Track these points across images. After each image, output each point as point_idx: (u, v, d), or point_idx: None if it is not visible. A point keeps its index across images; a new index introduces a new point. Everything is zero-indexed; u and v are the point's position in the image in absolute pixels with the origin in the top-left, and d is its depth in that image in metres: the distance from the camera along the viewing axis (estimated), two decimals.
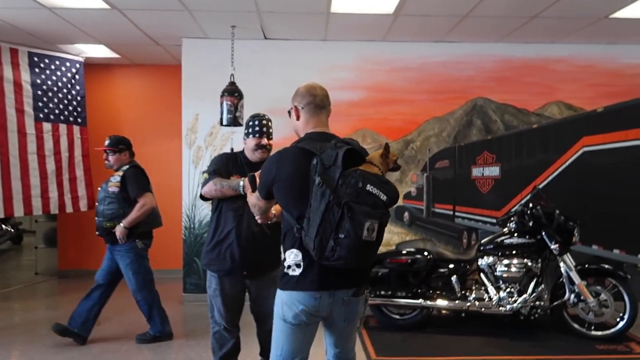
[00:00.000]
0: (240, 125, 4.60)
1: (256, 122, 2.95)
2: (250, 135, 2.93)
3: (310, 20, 4.61)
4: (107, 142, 4.05)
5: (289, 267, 2.06)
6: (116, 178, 3.90)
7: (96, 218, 4.00)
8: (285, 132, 5.26)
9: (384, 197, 1.93)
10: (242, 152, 3.05)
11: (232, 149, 4.71)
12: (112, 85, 6.36)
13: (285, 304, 2.07)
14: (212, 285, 2.98)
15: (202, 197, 2.95)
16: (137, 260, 3.96)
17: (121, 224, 3.81)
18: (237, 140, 4.98)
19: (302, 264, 2.04)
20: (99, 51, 5.61)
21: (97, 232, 4.01)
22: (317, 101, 2.21)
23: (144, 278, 3.99)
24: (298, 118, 2.24)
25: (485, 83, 5.24)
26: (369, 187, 1.90)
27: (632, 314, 4.03)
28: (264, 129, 2.94)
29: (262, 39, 5.12)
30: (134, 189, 3.86)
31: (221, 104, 4.59)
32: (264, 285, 2.97)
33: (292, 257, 2.06)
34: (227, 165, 2.96)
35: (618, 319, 4.08)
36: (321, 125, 2.22)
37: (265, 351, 3.16)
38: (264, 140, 2.92)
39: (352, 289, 2.08)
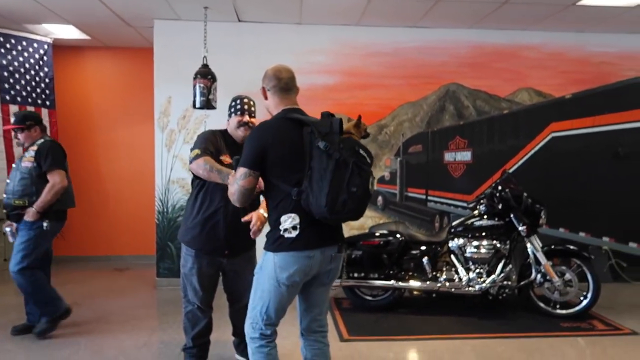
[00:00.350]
0: (214, 108, 4.57)
1: (238, 102, 3.00)
2: (233, 114, 2.98)
3: (284, 3, 4.58)
4: (12, 120, 3.78)
5: (285, 230, 2.20)
6: (30, 153, 3.62)
7: (4, 196, 3.69)
8: (259, 116, 5.27)
9: (368, 159, 2.23)
10: (225, 130, 3.07)
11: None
12: (82, 68, 6.22)
13: (279, 267, 2.21)
14: (187, 264, 2.98)
15: (191, 170, 2.92)
16: (35, 241, 3.60)
17: (33, 208, 3.53)
18: (210, 124, 4.96)
19: (298, 226, 2.19)
20: (68, 32, 5.47)
21: (4, 211, 3.70)
22: (281, 84, 2.37)
23: (33, 261, 3.61)
24: (266, 98, 2.40)
25: (458, 69, 5.31)
26: (360, 150, 2.21)
27: (595, 292, 4.18)
28: (246, 107, 2.98)
29: (236, 21, 5.07)
30: (46, 162, 3.59)
31: (194, 87, 4.54)
32: (240, 265, 3.03)
33: (289, 221, 2.20)
34: (217, 142, 2.94)
35: (582, 298, 4.23)
36: (292, 103, 2.39)
37: (238, 330, 3.20)
38: (246, 118, 2.96)
39: (337, 245, 2.31)
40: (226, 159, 2.89)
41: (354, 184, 2.12)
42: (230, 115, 3.01)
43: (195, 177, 2.94)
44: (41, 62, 5.54)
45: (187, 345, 3.13)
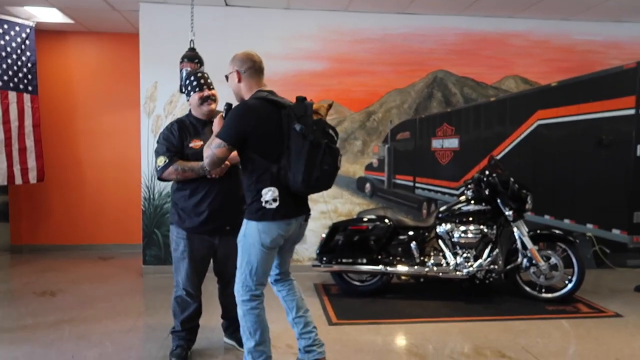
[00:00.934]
0: None
1: (193, 78, 2.97)
2: (192, 92, 2.94)
3: None
4: None
5: (266, 202, 2.48)
6: None
7: None
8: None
9: (336, 137, 2.57)
10: (189, 114, 3.03)
11: None
12: (66, 53, 6.10)
13: (263, 232, 2.51)
14: (179, 247, 2.98)
15: (161, 179, 2.92)
16: None
17: None
18: None
19: (278, 198, 2.48)
20: (52, 15, 5.36)
21: None
22: (256, 66, 2.62)
23: None
24: (240, 81, 2.59)
25: (445, 56, 5.32)
26: (330, 131, 2.53)
27: (579, 276, 4.24)
28: (202, 81, 2.95)
29: (223, 5, 5.01)
30: None
31: (180, 71, 4.42)
32: (232, 246, 2.93)
33: (269, 193, 2.48)
34: (180, 138, 2.90)
35: (567, 282, 4.29)
36: (263, 86, 2.62)
37: (228, 312, 3.22)
38: (207, 92, 2.93)
39: (305, 214, 2.69)
40: (197, 143, 2.89)
41: (326, 163, 2.44)
42: (189, 94, 2.96)
43: None
44: (23, 47, 5.42)
45: (176, 328, 3.12)
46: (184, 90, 3.04)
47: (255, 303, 2.59)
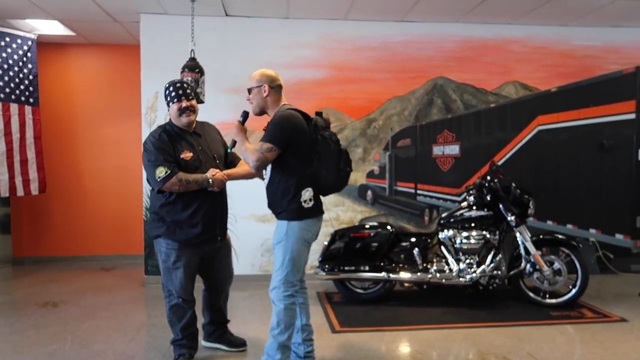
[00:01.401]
0: (202, 102, 4.52)
1: (172, 88, 2.95)
2: (170, 103, 2.94)
3: None
4: None
5: (304, 201, 2.79)
6: None
7: None
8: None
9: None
10: (170, 123, 3.02)
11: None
12: (67, 65, 6.14)
13: (305, 229, 2.81)
14: (170, 258, 2.97)
15: (161, 191, 2.89)
16: None
17: None
18: (199, 118, 4.90)
19: (312, 197, 2.81)
20: (53, 28, 5.40)
21: None
22: (281, 83, 2.93)
23: None
24: (268, 95, 2.85)
25: (445, 63, 5.34)
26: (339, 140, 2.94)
27: (583, 281, 4.22)
28: (181, 92, 2.94)
29: (223, 15, 5.05)
30: None
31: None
32: (222, 251, 3.18)
33: (307, 194, 2.80)
34: (172, 147, 2.89)
35: (571, 287, 4.26)
36: (284, 101, 2.92)
37: (218, 317, 3.35)
38: (185, 103, 2.93)
39: (323, 213, 2.99)
40: (187, 154, 2.91)
41: (347, 165, 2.88)
42: (168, 105, 2.96)
43: None
44: (25, 59, 5.46)
45: (176, 337, 3.12)
46: (165, 100, 3.02)
47: (294, 298, 2.85)
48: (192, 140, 3.00)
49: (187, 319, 3.07)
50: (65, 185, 6.09)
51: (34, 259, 6.09)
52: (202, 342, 3.35)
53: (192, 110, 2.98)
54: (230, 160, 3.22)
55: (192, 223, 2.93)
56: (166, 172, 2.79)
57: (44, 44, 5.90)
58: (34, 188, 5.56)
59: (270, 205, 2.94)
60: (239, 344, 3.35)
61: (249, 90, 2.88)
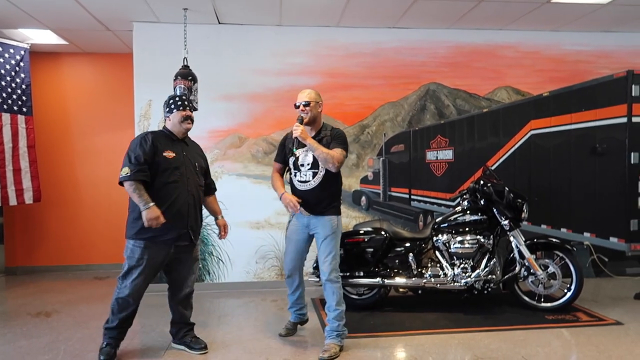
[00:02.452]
0: (195, 109, 4.52)
1: (177, 98, 3.31)
2: (175, 110, 3.26)
3: (264, 4, 4.59)
4: None
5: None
6: None
7: None
8: (241, 118, 5.26)
9: None
10: (165, 128, 3.34)
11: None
12: (60, 74, 6.14)
13: (341, 223, 3.54)
14: (135, 255, 3.16)
15: (120, 184, 3.15)
16: None
17: None
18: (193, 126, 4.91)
19: None
20: (46, 37, 5.41)
21: None
22: None
23: None
24: (322, 111, 3.54)
25: (437, 68, 5.37)
26: None
27: (578, 284, 4.22)
28: (186, 102, 3.32)
29: (216, 23, 5.07)
30: None
31: (174, 88, 4.50)
32: (186, 253, 3.33)
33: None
34: (151, 148, 3.12)
35: (565, 290, 4.26)
36: None
37: (181, 317, 3.50)
38: (188, 112, 3.30)
39: None
40: (170, 153, 3.18)
41: None
42: (171, 112, 3.27)
43: (157, 174, 3.13)
44: (18, 68, 5.45)
45: (111, 324, 3.27)
46: (166, 107, 3.32)
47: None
48: (179, 146, 3.30)
49: (128, 313, 3.25)
50: (59, 195, 6.07)
51: (27, 268, 6.06)
52: (171, 344, 3.54)
53: (192, 120, 3.35)
54: (207, 182, 3.54)
55: (166, 221, 3.08)
56: (126, 174, 3.05)
57: (37, 53, 5.90)
58: (28, 197, 5.53)
59: (319, 204, 3.40)
60: (198, 347, 3.46)
61: (306, 104, 3.40)
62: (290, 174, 3.55)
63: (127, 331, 3.36)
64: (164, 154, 3.15)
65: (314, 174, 3.40)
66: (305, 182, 3.43)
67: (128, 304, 3.22)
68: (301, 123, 3.35)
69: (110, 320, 3.27)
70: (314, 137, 3.43)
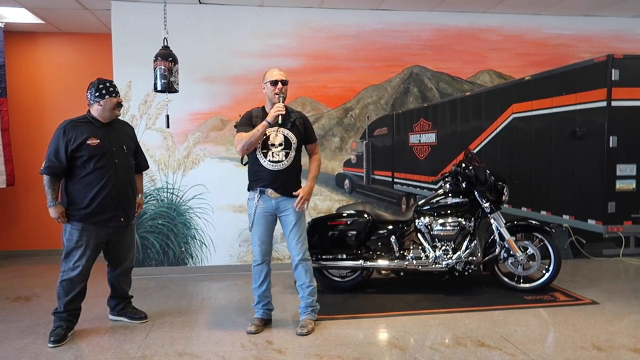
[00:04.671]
0: (176, 91, 4.44)
1: (108, 84, 3.34)
2: (107, 96, 3.31)
3: None
4: None
5: None
6: None
7: None
8: (223, 100, 5.19)
9: None
10: (88, 114, 3.37)
11: (167, 116, 4.58)
12: (36, 55, 5.97)
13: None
14: (73, 237, 3.27)
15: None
16: None
17: None
18: (173, 108, 4.85)
19: None
20: (21, 16, 5.24)
21: None
22: None
23: None
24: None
25: (421, 51, 5.35)
26: None
27: (556, 266, 4.30)
28: (117, 89, 3.40)
29: (197, 3, 4.97)
30: None
31: (154, 69, 4.39)
32: (123, 232, 3.48)
33: None
34: (73, 138, 3.21)
35: (544, 272, 4.34)
36: None
37: (118, 291, 3.69)
38: (120, 98, 3.40)
39: None
40: (93, 141, 3.25)
41: None
42: (102, 97, 3.30)
43: (84, 162, 3.24)
44: None
45: (58, 309, 3.35)
46: (95, 92, 3.32)
47: None
48: (104, 130, 3.35)
49: (73, 295, 3.32)
50: (34, 178, 5.89)
51: (6, 253, 5.96)
52: (108, 316, 3.74)
53: (121, 106, 3.46)
54: (136, 161, 3.63)
55: (94, 203, 3.25)
56: (44, 166, 3.22)
57: (12, 33, 5.73)
58: (1, 181, 5.42)
59: (289, 184, 3.40)
60: (138, 317, 3.69)
61: (285, 82, 3.38)
62: (256, 153, 3.39)
63: (78, 315, 3.45)
64: (88, 142, 3.22)
65: (287, 154, 3.38)
66: (278, 162, 3.37)
67: (73, 285, 3.31)
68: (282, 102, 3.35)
69: (58, 306, 3.36)
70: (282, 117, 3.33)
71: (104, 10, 5.09)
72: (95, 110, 3.33)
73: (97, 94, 3.31)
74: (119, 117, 3.52)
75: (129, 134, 3.59)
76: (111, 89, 3.33)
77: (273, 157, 3.37)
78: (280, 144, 3.37)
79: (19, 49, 5.88)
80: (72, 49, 6.02)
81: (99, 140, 3.27)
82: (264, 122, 3.29)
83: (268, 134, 3.38)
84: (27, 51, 5.94)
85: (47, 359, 3.05)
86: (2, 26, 5.38)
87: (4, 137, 5.43)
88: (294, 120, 3.43)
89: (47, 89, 5.99)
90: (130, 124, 4.96)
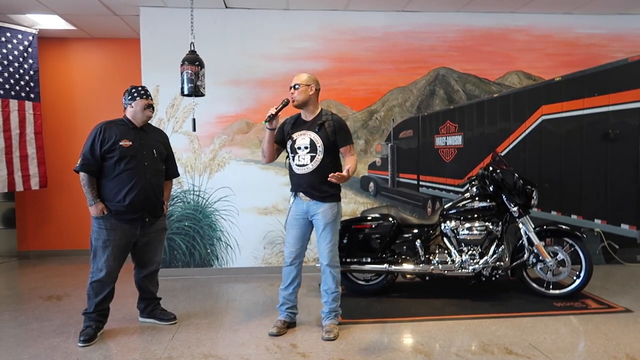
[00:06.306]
0: (202, 95, 4.49)
1: (140, 88, 3.48)
2: (138, 98, 3.43)
3: None
4: None
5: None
6: None
7: None
8: (249, 104, 5.23)
9: None
10: (124, 117, 3.48)
11: (193, 120, 4.64)
12: (68, 60, 6.14)
13: (341, 209, 3.51)
14: (101, 237, 3.35)
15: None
16: None
17: None
18: (199, 111, 4.91)
19: None
20: (54, 22, 5.40)
21: None
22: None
23: None
24: (312, 94, 3.42)
25: (447, 53, 5.29)
26: None
27: (587, 271, 4.18)
28: (149, 92, 3.52)
29: (223, 7, 5.02)
30: None
31: (181, 73, 4.45)
32: (152, 235, 3.56)
33: None
34: (108, 139, 3.32)
35: (575, 277, 4.23)
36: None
37: (146, 294, 3.74)
38: (150, 100, 3.49)
39: None
40: (126, 142, 3.36)
41: None
42: (134, 99, 3.43)
43: (115, 162, 3.33)
44: (25, 54, 5.46)
45: (88, 310, 3.43)
46: (128, 96, 3.46)
47: None
48: (137, 133, 3.46)
49: (104, 295, 3.41)
50: (68, 180, 6.10)
51: (39, 252, 6.14)
52: (138, 318, 3.79)
53: (153, 108, 3.56)
54: (166, 167, 3.71)
55: (124, 202, 3.33)
56: (78, 164, 3.32)
57: (45, 39, 5.90)
58: (35, 183, 5.59)
59: (317, 189, 3.35)
60: (168, 318, 3.75)
61: (293, 86, 3.37)
62: (289, 158, 3.51)
63: (107, 316, 3.54)
64: (121, 142, 3.33)
65: (312, 158, 3.36)
66: (303, 165, 3.38)
67: (103, 286, 3.38)
68: (286, 105, 3.38)
69: (88, 306, 3.43)
70: (312, 121, 3.41)
71: (133, 16, 5.19)
72: (129, 112, 3.47)
73: (130, 97, 3.46)
74: (154, 125, 3.62)
75: (161, 141, 3.68)
76: (142, 92, 3.47)
77: (299, 160, 3.39)
78: (305, 147, 3.38)
79: (51, 55, 6.05)
80: (102, 54, 6.16)
81: (130, 143, 3.38)
82: (266, 127, 3.41)
83: (295, 138, 3.41)
84: (59, 57, 6.11)
85: (78, 358, 3.12)
86: (36, 33, 5.55)
87: (37, 140, 5.59)
88: (322, 123, 3.39)
89: (78, 94, 6.15)
90: (159, 127, 5.13)
